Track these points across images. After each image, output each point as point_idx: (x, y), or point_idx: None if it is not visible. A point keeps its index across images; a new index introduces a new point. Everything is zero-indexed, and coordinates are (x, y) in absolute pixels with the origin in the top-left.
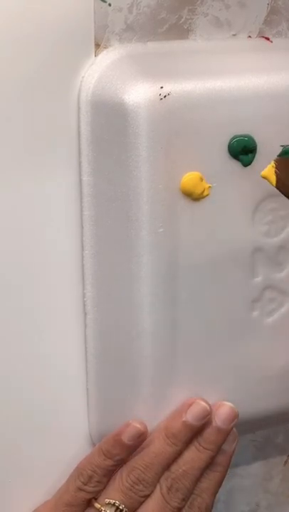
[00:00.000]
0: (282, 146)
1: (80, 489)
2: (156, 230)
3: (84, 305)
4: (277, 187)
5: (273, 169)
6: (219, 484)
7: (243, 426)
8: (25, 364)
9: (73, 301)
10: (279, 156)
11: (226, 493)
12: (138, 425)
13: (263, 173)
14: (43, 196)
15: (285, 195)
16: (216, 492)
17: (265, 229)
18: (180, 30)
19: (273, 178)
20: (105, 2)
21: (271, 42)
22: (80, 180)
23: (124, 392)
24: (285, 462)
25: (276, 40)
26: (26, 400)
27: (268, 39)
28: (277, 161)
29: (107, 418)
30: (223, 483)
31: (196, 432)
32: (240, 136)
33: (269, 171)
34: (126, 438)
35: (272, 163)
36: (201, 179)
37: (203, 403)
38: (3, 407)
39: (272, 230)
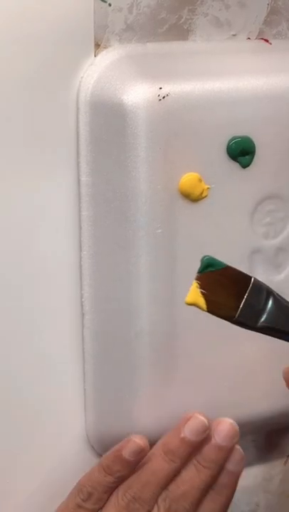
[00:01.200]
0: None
1: (80, 506)
2: (154, 230)
3: (82, 305)
4: (210, 310)
5: (198, 291)
6: (226, 507)
7: (243, 427)
8: (23, 364)
9: (71, 301)
10: (200, 271)
11: None
12: (138, 441)
13: (188, 299)
14: (42, 196)
15: (222, 317)
16: None
17: (264, 230)
18: (180, 31)
19: (202, 301)
20: (105, 2)
21: (270, 44)
22: (79, 180)
23: (122, 393)
24: (285, 462)
25: (275, 42)
26: (23, 400)
27: (267, 41)
28: (199, 279)
29: (104, 418)
30: None
31: (194, 448)
32: (239, 137)
33: (194, 294)
34: (126, 454)
35: (195, 284)
36: (200, 180)
37: (201, 417)
38: (2, 408)
39: (271, 231)
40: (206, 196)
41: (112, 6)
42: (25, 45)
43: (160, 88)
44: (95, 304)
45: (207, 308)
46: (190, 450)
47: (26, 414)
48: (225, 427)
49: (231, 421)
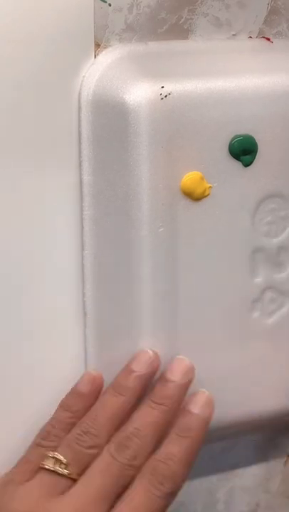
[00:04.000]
0: None
1: (38, 444)
2: (156, 229)
3: (84, 305)
4: None
5: None
6: (191, 453)
7: (243, 426)
8: (25, 364)
9: (73, 301)
10: None
11: (226, 493)
12: (92, 372)
13: None
14: (44, 196)
15: None
16: (188, 462)
17: (266, 229)
18: (180, 30)
19: None
20: (105, 2)
21: (272, 42)
22: (81, 179)
23: None
24: (285, 462)
25: (276, 41)
26: (26, 401)
27: (268, 39)
28: None
29: None
30: (224, 483)
31: (143, 381)
32: (241, 136)
33: None
34: (80, 386)
35: None
36: (202, 179)
37: (148, 350)
38: (2, 408)
39: (273, 230)
40: (208, 195)
41: (112, 6)
42: (25, 45)
43: (162, 87)
44: (97, 304)
45: None
46: (138, 383)
47: (28, 416)
48: (176, 362)
49: (184, 358)
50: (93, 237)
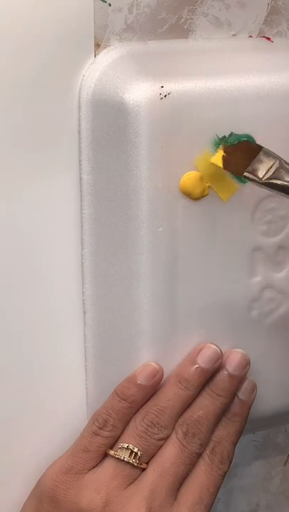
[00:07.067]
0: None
1: (96, 434)
2: (155, 229)
3: (83, 303)
4: (225, 168)
5: (222, 154)
6: (239, 434)
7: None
8: (24, 363)
9: (72, 299)
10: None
11: (226, 493)
12: (153, 364)
13: (213, 159)
14: (43, 194)
15: (233, 173)
16: (236, 442)
17: (265, 228)
18: (180, 30)
19: (220, 162)
20: (105, 2)
21: (272, 42)
22: (80, 178)
23: None
24: (285, 462)
25: (276, 40)
26: (25, 399)
27: (268, 39)
28: (224, 147)
29: None
30: (223, 482)
31: (207, 376)
32: (240, 136)
33: (218, 156)
34: (140, 378)
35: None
36: (201, 179)
37: (213, 346)
38: (3, 407)
39: (272, 229)
40: (207, 195)
41: (112, 6)
42: (26, 45)
43: (162, 87)
44: (96, 302)
45: (223, 166)
46: (203, 379)
47: (27, 413)
48: (236, 356)
49: (242, 351)
50: (92, 236)
